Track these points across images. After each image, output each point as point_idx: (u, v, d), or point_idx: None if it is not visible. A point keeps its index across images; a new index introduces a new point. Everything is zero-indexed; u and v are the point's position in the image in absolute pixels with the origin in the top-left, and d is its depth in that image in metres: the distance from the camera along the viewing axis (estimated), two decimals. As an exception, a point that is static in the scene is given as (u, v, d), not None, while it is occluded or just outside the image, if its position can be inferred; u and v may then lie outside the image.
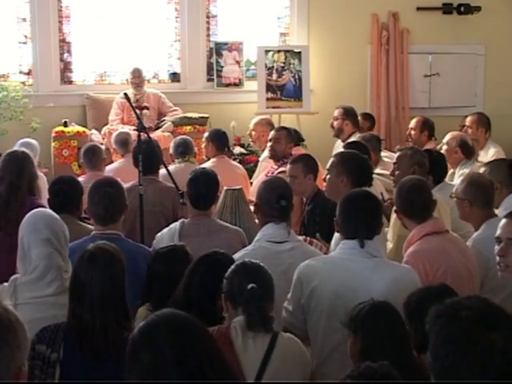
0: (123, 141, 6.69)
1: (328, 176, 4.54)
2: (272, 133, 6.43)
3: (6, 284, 3.37)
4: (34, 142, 6.56)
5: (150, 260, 3.71)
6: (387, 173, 5.99)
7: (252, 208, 4.82)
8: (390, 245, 4.60)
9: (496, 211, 4.50)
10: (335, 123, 7.26)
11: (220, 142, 6.55)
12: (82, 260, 2.97)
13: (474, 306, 1.83)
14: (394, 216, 5.05)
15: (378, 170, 6.06)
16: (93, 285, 2.89)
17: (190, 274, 3.26)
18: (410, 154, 5.16)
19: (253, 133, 7.33)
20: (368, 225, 3.41)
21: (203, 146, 6.77)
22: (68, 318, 2.94)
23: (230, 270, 3.00)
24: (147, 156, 5.15)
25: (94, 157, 6.03)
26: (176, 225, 4.37)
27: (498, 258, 3.35)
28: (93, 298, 2.88)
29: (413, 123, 7.29)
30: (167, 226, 4.59)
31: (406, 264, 3.78)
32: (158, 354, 1.96)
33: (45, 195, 6.26)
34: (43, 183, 6.34)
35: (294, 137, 6.56)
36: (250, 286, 2.86)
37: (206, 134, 6.74)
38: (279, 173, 5.85)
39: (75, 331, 2.88)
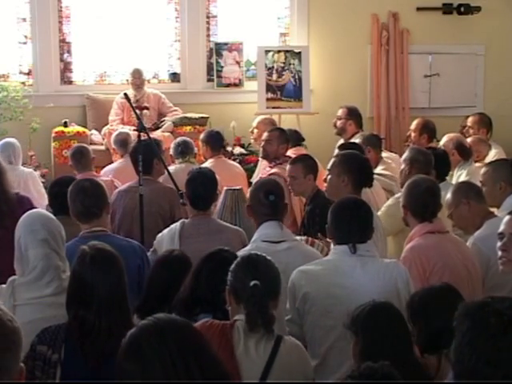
0: (123, 141, 6.69)
1: (329, 176, 4.56)
2: (265, 133, 6.41)
3: (3, 286, 3.36)
4: (14, 140, 6.53)
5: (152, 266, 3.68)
6: (388, 173, 6.00)
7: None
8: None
9: (496, 211, 4.52)
10: (338, 122, 7.25)
11: (214, 143, 6.54)
12: (84, 263, 2.95)
13: (506, 312, 1.77)
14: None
15: (378, 170, 6.06)
16: (100, 287, 2.89)
17: (197, 273, 3.26)
18: (407, 152, 5.32)
19: (255, 131, 7.32)
20: (360, 231, 3.48)
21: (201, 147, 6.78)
22: (70, 319, 2.93)
23: (235, 262, 2.97)
24: (143, 157, 5.16)
25: (83, 158, 6.01)
26: (176, 225, 4.38)
27: (500, 253, 3.40)
28: (101, 300, 2.87)
29: (413, 125, 7.27)
30: (165, 226, 4.60)
31: (404, 259, 3.86)
32: (144, 363, 1.97)
33: (38, 188, 6.29)
34: (33, 178, 6.35)
35: (288, 137, 6.53)
36: (252, 283, 2.81)
37: (200, 137, 6.72)
38: (271, 174, 5.85)
39: (77, 333, 2.88)
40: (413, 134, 7.19)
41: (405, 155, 5.31)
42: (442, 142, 6.50)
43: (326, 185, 4.64)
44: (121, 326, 2.85)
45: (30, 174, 6.39)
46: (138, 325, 2.09)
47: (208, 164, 6.32)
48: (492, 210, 4.54)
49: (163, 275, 3.55)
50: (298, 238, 4.14)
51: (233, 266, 2.95)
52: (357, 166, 4.50)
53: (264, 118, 7.44)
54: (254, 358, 2.77)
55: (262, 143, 6.29)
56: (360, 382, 2.15)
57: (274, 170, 5.97)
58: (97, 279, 2.90)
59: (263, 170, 6.40)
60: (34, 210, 3.56)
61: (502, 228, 3.40)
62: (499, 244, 3.40)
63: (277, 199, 3.91)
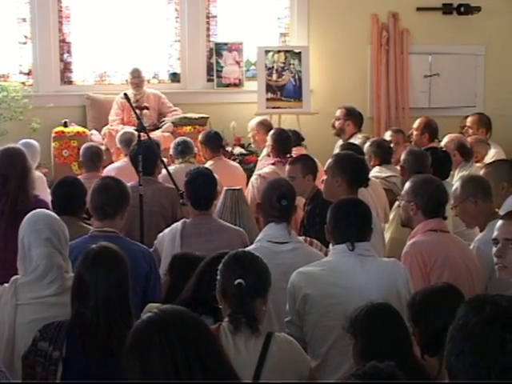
0: (128, 140, 6.68)
1: (325, 177, 4.58)
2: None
3: (6, 285, 3.37)
4: (34, 142, 6.55)
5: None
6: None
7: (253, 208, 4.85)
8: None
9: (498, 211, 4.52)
10: (337, 123, 7.27)
11: (212, 144, 6.55)
12: (87, 260, 2.98)
13: (502, 303, 1.79)
14: (391, 216, 5.07)
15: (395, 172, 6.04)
16: (98, 285, 2.90)
17: (200, 275, 3.25)
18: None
19: (250, 134, 7.42)
20: (359, 228, 3.48)
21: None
22: (72, 316, 2.95)
23: (222, 262, 2.93)
24: (144, 158, 5.16)
25: (100, 160, 6.03)
26: (178, 225, 4.38)
27: (495, 259, 3.39)
28: (98, 298, 2.89)
29: (416, 124, 7.28)
30: (166, 226, 4.60)
31: (405, 254, 3.86)
32: (144, 359, 1.97)
33: (44, 195, 6.28)
34: (42, 183, 6.35)
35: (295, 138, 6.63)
36: (237, 281, 2.78)
37: (199, 138, 6.73)
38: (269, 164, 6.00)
39: (78, 330, 2.89)
40: (415, 133, 7.21)
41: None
42: (443, 143, 6.53)
43: (322, 186, 4.66)
44: (121, 325, 2.86)
45: (40, 179, 6.36)
46: (143, 318, 2.08)
47: (208, 165, 6.32)
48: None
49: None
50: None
51: (220, 265, 2.93)
52: (350, 166, 4.51)
53: (254, 121, 7.46)
54: (245, 356, 2.74)
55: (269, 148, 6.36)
56: (364, 381, 2.15)
57: (271, 161, 6.03)
58: (96, 278, 2.92)
59: (262, 164, 6.47)
60: (38, 210, 3.55)
61: (495, 234, 3.40)
62: (494, 250, 3.40)
63: (289, 204, 3.91)
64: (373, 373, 2.14)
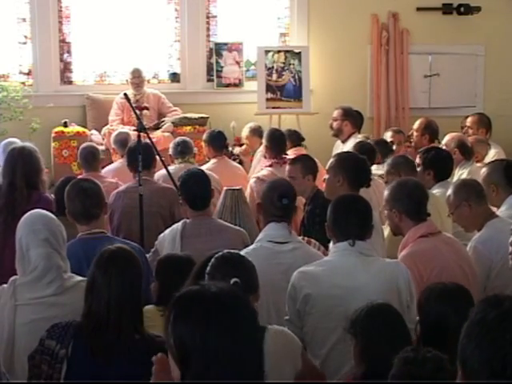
0: (122, 141, 6.68)
1: (327, 177, 4.58)
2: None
3: (5, 285, 3.36)
4: (17, 140, 6.51)
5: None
6: None
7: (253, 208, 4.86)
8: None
9: (497, 211, 4.51)
10: (334, 124, 7.28)
11: (216, 144, 6.57)
12: (101, 260, 2.99)
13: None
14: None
15: None
16: (111, 285, 2.92)
17: (196, 276, 3.25)
18: (386, 164, 5.36)
19: (244, 141, 7.55)
20: (360, 225, 3.47)
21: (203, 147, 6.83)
22: (83, 314, 2.95)
23: (210, 264, 2.95)
24: (143, 153, 5.16)
25: (95, 161, 6.01)
26: (178, 225, 4.39)
27: (510, 249, 3.42)
28: (110, 298, 2.90)
29: (416, 124, 7.28)
30: (165, 226, 4.62)
31: None
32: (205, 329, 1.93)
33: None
34: None
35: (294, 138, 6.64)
36: (233, 280, 2.76)
37: (203, 137, 6.77)
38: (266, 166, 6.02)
39: (88, 328, 2.90)
40: (415, 134, 7.21)
41: (386, 168, 5.25)
42: (443, 141, 6.53)
43: (324, 185, 4.66)
44: (130, 327, 2.87)
45: None
46: (198, 287, 2.03)
47: (210, 164, 6.36)
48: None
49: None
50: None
51: (208, 268, 2.94)
52: (352, 165, 4.51)
53: (250, 129, 7.46)
54: None
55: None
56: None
57: (268, 163, 6.04)
58: (110, 278, 2.93)
59: (258, 165, 6.47)
60: (36, 210, 3.55)
61: None
62: (511, 239, 3.42)
63: (290, 202, 3.92)
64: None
